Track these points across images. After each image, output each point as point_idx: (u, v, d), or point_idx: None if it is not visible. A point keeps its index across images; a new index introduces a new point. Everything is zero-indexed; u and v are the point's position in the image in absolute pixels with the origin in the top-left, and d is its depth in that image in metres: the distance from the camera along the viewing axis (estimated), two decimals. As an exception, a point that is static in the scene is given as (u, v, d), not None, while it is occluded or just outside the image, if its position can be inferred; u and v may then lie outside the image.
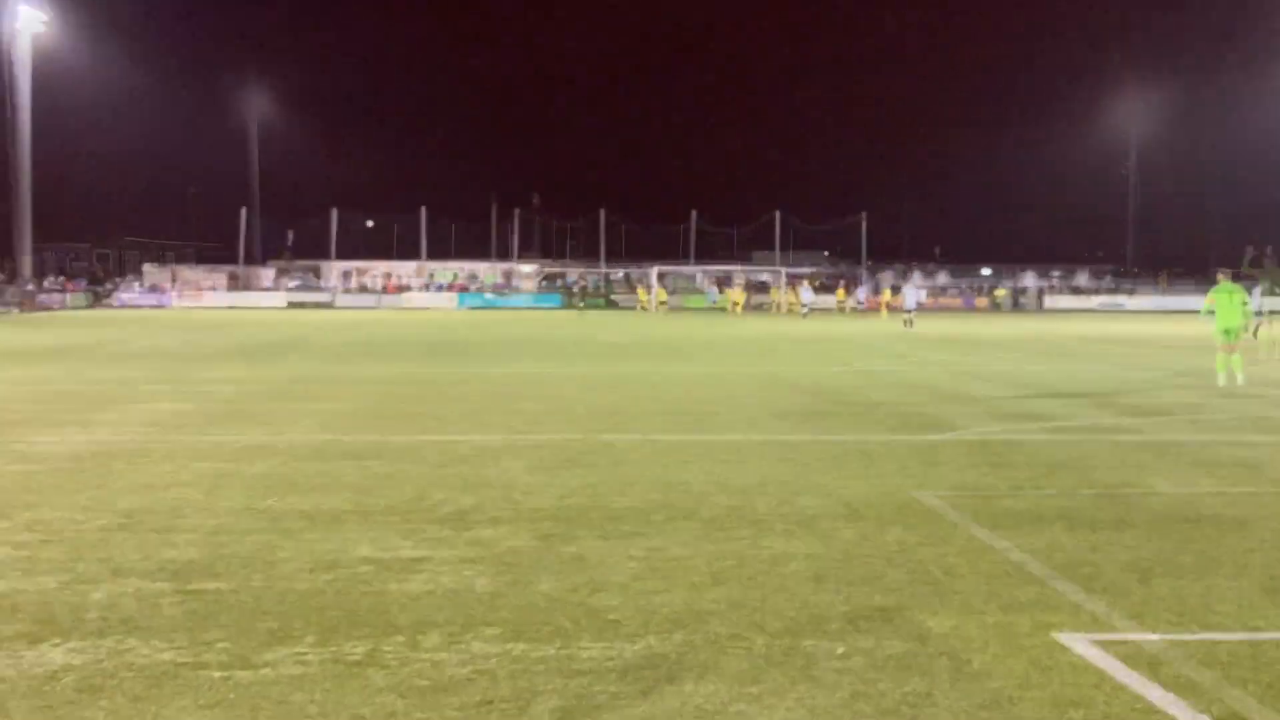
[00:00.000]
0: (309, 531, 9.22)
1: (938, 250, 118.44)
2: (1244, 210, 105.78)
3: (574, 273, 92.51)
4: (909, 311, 52.60)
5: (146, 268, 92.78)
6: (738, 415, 16.93)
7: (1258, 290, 50.65)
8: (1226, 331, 22.35)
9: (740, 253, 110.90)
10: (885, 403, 18.64)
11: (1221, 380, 21.97)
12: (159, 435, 14.46)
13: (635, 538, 8.99)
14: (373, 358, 30.02)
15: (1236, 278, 23.35)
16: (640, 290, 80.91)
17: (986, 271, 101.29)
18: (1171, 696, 5.68)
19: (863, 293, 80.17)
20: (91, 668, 6.05)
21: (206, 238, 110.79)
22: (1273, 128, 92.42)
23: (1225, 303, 22.53)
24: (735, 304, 72.19)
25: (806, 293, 67.28)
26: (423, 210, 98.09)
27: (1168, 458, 13.01)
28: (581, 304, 78.03)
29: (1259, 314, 39.87)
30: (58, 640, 6.49)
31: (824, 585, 7.68)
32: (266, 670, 6.07)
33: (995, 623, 6.89)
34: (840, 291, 78.19)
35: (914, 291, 56.62)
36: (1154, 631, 6.77)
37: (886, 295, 73.27)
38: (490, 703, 5.61)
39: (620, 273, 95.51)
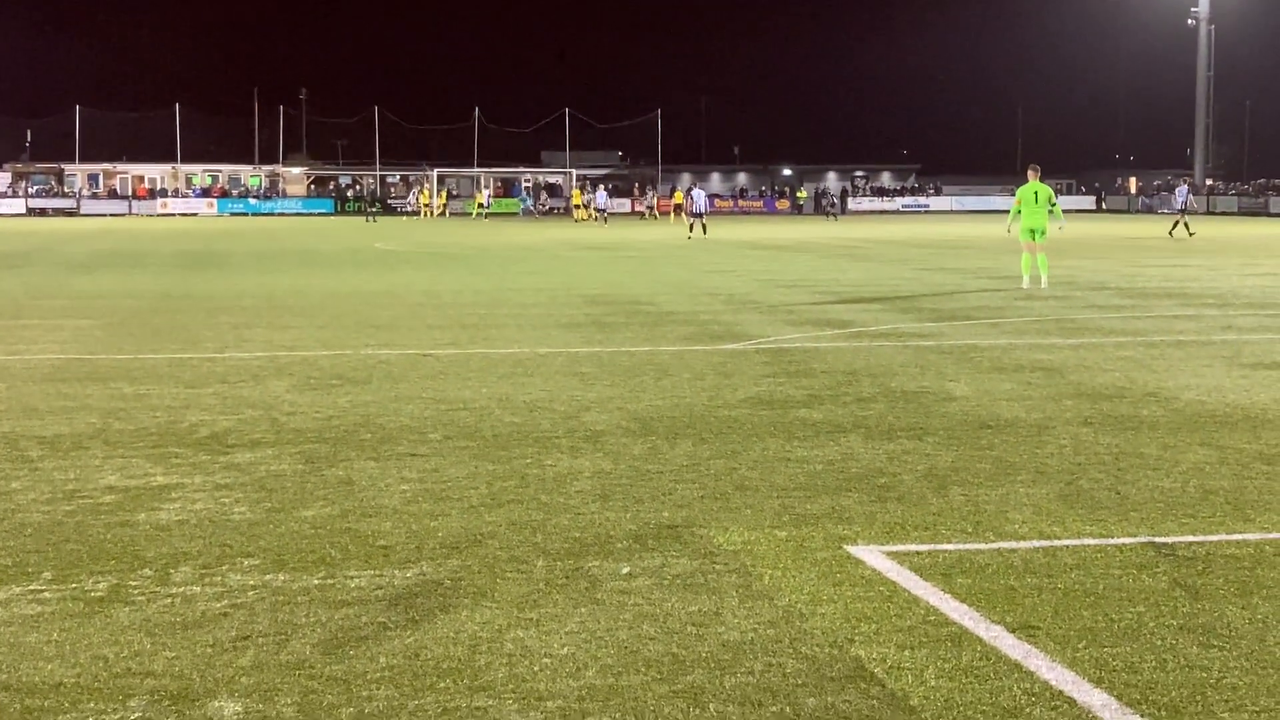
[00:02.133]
0: (47, 459, 8.86)
1: (736, 150, 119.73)
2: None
3: (349, 176, 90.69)
4: (698, 216, 52.05)
5: None
6: (523, 328, 16.90)
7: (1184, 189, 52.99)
8: (1032, 231, 23.13)
9: (529, 154, 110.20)
10: (679, 312, 18.84)
11: (1026, 282, 22.85)
12: None
13: (409, 459, 8.90)
14: (122, 270, 28.97)
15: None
16: (423, 195, 79.76)
17: (788, 172, 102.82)
18: (965, 608, 5.89)
19: (653, 196, 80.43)
20: None
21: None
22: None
23: (1031, 201, 23.30)
24: (580, 208, 71.97)
25: (602, 196, 67.33)
26: (176, 107, 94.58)
27: (967, 362, 13.47)
28: (374, 210, 76.40)
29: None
30: None
31: (610, 503, 7.73)
32: None
33: (786, 537, 7.04)
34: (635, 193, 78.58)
35: (702, 195, 55.21)
36: (949, 542, 7.01)
37: (679, 198, 73.66)
38: (247, 638, 5.49)
39: (396, 176, 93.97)
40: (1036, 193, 23.33)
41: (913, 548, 6.88)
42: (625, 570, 6.43)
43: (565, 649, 5.38)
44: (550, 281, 25.34)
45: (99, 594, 6.08)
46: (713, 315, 18.27)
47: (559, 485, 8.18)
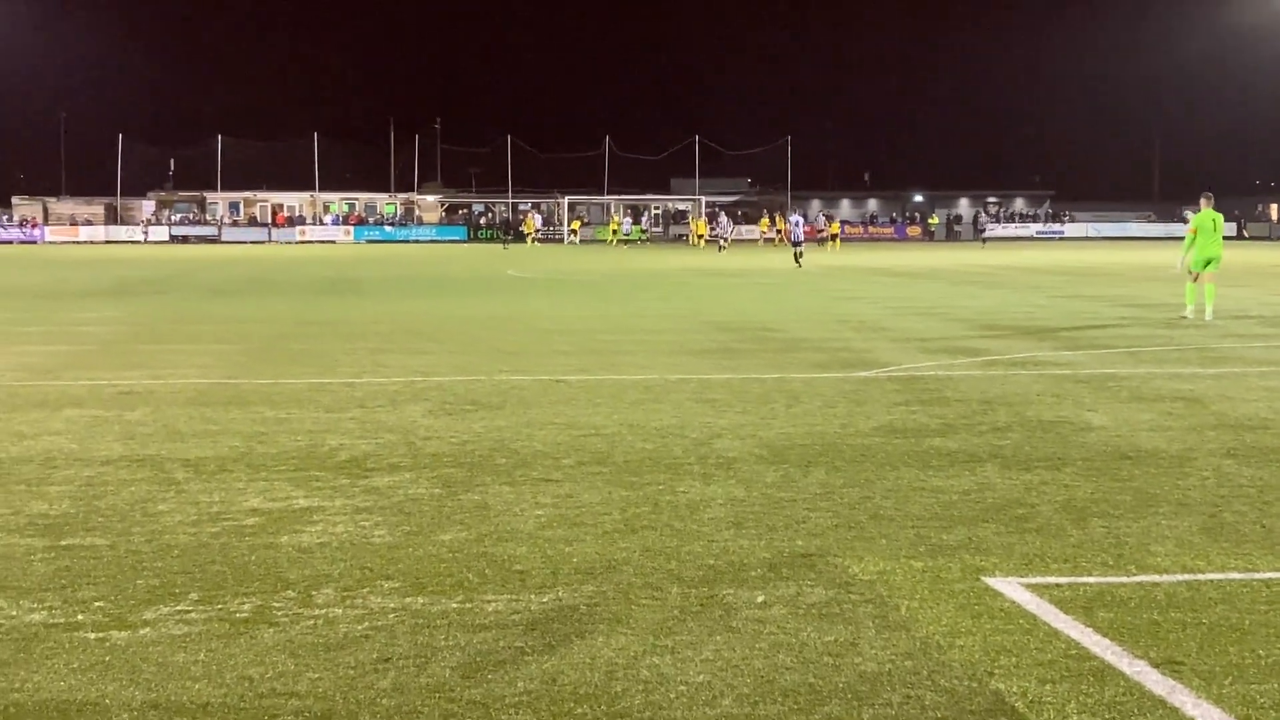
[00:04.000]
0: (193, 482, 9.10)
1: (867, 176, 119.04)
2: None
3: (483, 204, 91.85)
4: (797, 245, 49.78)
5: (15, 200, 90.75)
6: (652, 354, 16.95)
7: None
8: (1208, 261, 22.02)
9: (659, 181, 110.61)
10: (809, 339, 18.77)
11: (1189, 312, 21.85)
12: (29, 379, 14.19)
13: (543, 484, 8.97)
14: (262, 296, 29.67)
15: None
16: (528, 222, 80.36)
17: (919, 199, 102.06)
18: (1107, 642, 5.78)
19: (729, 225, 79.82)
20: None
21: (83, 166, 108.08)
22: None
23: (1208, 229, 22.22)
24: (699, 236, 72.18)
25: (725, 223, 67.20)
26: (314, 136, 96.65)
27: (1106, 392, 13.22)
28: (507, 238, 77.30)
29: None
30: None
31: (743, 531, 7.72)
32: (146, 630, 5.99)
33: (923, 567, 6.97)
34: (763, 222, 78.32)
35: (798, 223, 52.16)
36: (1089, 575, 6.89)
37: (763, 225, 72.99)
38: (388, 660, 5.58)
39: (528, 204, 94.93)
40: (1214, 220, 22.31)
41: (1052, 580, 6.76)
42: (760, 599, 6.41)
43: (701, 677, 5.38)
44: (678, 308, 25.40)
45: (244, 615, 6.22)
46: (843, 342, 18.17)
47: (692, 512, 8.19)
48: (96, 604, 6.36)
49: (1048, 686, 5.26)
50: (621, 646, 5.74)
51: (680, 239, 72.64)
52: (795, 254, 46.59)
